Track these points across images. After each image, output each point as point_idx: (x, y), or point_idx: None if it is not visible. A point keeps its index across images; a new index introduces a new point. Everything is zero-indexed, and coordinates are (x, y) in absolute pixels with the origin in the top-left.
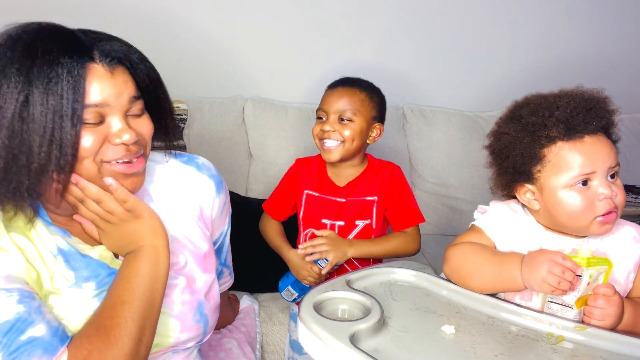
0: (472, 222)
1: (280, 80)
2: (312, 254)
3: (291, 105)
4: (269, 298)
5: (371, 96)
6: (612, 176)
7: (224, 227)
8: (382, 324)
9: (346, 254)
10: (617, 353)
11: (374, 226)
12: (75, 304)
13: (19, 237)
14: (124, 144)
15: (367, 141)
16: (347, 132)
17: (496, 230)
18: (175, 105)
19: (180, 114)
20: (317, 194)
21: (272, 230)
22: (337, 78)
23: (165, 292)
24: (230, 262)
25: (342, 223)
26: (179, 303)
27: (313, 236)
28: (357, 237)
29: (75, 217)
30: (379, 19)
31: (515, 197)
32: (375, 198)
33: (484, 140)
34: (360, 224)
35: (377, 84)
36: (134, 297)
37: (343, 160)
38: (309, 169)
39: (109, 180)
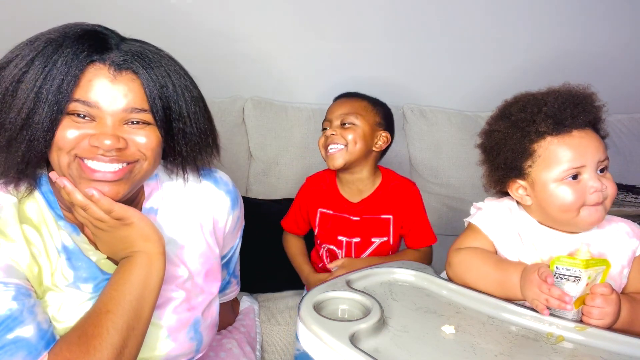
0: (467, 219)
1: (280, 80)
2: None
3: (291, 105)
4: (268, 298)
5: (374, 104)
6: (602, 170)
7: (236, 241)
8: (382, 324)
9: None
10: (617, 353)
11: (391, 242)
12: (70, 304)
13: (30, 229)
14: (101, 148)
15: (374, 148)
16: (349, 136)
17: (493, 228)
18: None
19: None
20: (330, 212)
21: (293, 248)
22: (337, 78)
23: (162, 303)
24: (238, 272)
25: (358, 240)
26: (174, 318)
27: (331, 252)
28: (373, 253)
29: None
30: (379, 19)
31: (508, 194)
32: (391, 217)
33: (476, 139)
34: (377, 241)
35: (377, 84)
36: (120, 306)
37: (347, 166)
38: (320, 187)
39: (90, 191)
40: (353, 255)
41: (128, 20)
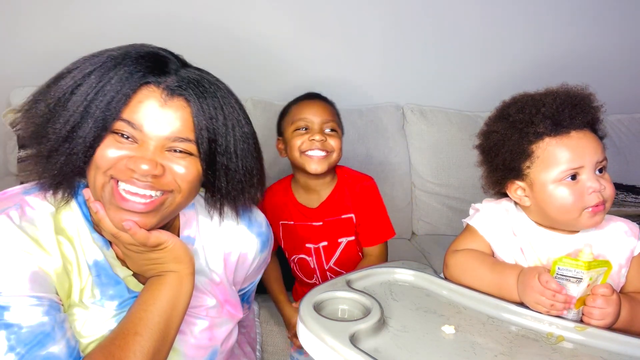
0: (465, 220)
1: (280, 80)
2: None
3: None
4: (268, 298)
5: (338, 111)
6: (600, 170)
7: (257, 278)
8: (382, 324)
9: None
10: (617, 353)
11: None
12: (94, 320)
13: (65, 242)
14: (132, 170)
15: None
16: (333, 142)
17: (490, 230)
18: None
19: None
20: (292, 223)
21: (267, 273)
22: (336, 78)
23: (184, 329)
24: (252, 299)
25: (325, 243)
26: (194, 345)
27: (301, 262)
28: (342, 253)
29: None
30: (379, 19)
31: (507, 195)
32: (352, 215)
33: (474, 140)
34: (344, 240)
35: (377, 83)
36: (148, 328)
37: (325, 173)
38: (277, 199)
39: (127, 224)
40: (324, 259)
41: (129, 20)
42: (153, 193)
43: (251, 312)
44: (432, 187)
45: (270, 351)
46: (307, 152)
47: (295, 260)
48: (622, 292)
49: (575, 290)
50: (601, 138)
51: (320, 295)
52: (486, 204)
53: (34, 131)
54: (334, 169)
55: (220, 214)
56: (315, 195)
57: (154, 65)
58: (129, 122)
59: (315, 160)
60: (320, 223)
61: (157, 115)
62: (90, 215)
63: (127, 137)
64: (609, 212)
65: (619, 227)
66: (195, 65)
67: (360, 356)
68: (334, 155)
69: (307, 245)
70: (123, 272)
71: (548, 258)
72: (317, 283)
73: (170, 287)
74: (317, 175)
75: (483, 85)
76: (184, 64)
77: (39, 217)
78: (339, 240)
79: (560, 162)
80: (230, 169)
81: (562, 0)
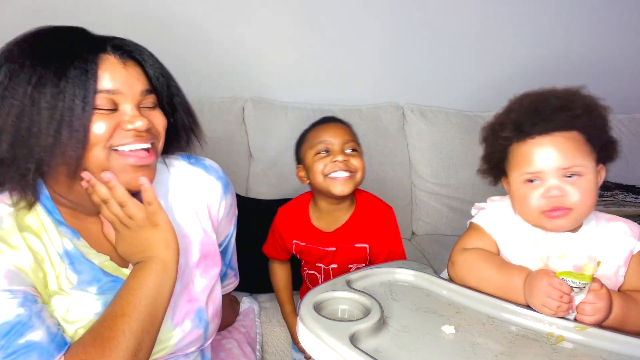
0: (471, 220)
1: (280, 80)
2: None
3: (291, 105)
4: (268, 299)
5: (355, 132)
6: (571, 176)
7: (230, 228)
8: (382, 324)
9: None
10: (617, 353)
11: None
12: (78, 305)
13: (31, 237)
14: (135, 130)
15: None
16: (356, 162)
17: (495, 227)
18: None
19: None
20: (304, 244)
21: (277, 280)
22: (336, 78)
23: None
24: (235, 264)
25: (335, 266)
26: (178, 310)
27: (310, 276)
28: None
29: (101, 216)
30: (379, 19)
31: None
32: (367, 246)
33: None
34: (354, 267)
35: (377, 83)
36: (136, 310)
37: (347, 196)
38: (292, 219)
39: (141, 180)
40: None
41: (127, 21)
42: (149, 145)
43: (251, 312)
44: (432, 187)
45: (270, 351)
46: (330, 175)
47: (305, 272)
48: (619, 291)
49: (579, 297)
50: (594, 139)
51: (320, 295)
52: (490, 202)
53: (13, 149)
54: (353, 193)
55: (188, 145)
56: (332, 219)
57: (91, 40)
58: (107, 91)
59: (340, 181)
60: (334, 249)
61: (125, 77)
62: (57, 208)
63: (103, 110)
64: (609, 212)
65: (619, 227)
66: (195, 66)
67: (360, 356)
68: (358, 175)
69: (318, 264)
70: (98, 258)
71: (548, 256)
72: None
73: (156, 273)
74: (341, 198)
75: (483, 85)
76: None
77: (1, 218)
78: (350, 266)
79: (521, 165)
80: (183, 104)
81: (563, 1)
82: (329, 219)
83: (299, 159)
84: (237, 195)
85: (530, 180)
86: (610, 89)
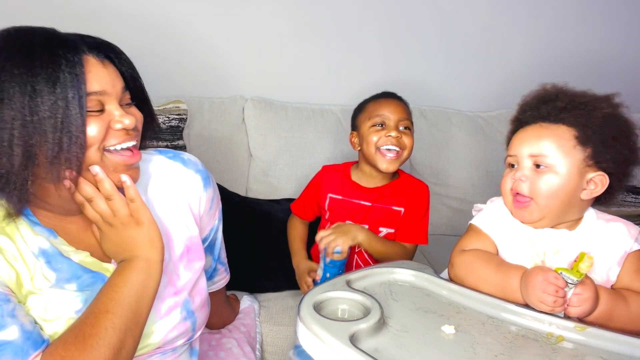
0: (470, 222)
1: (280, 80)
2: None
3: (291, 105)
4: (269, 298)
5: (411, 110)
6: (538, 166)
7: (215, 222)
8: (382, 324)
9: (356, 237)
10: (617, 353)
11: (395, 236)
12: (56, 303)
13: (2, 237)
14: (125, 129)
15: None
16: (406, 140)
17: (493, 228)
18: (175, 105)
19: (180, 114)
20: (340, 197)
21: (295, 232)
22: (336, 78)
23: None
24: (224, 259)
25: (366, 227)
26: (161, 304)
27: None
28: None
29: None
30: (379, 20)
31: None
32: (402, 209)
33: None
34: (384, 231)
35: (377, 84)
36: (119, 307)
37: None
38: (333, 175)
39: (123, 177)
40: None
41: (127, 22)
42: (135, 142)
43: (252, 311)
44: (432, 187)
45: (270, 351)
46: (381, 148)
47: None
48: (604, 287)
49: (570, 292)
50: (584, 134)
51: (320, 295)
52: (489, 203)
53: (18, 162)
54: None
55: (157, 137)
56: (372, 180)
57: (70, 42)
58: (96, 92)
59: (387, 159)
60: (369, 204)
61: (107, 77)
62: (31, 210)
63: (94, 112)
64: (610, 212)
65: (618, 228)
66: (195, 66)
67: (360, 356)
68: (405, 153)
69: (348, 222)
70: (78, 255)
71: (545, 253)
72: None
73: (141, 272)
74: (385, 174)
75: (483, 85)
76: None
77: None
78: (380, 228)
79: (508, 149)
80: (148, 99)
81: (563, 1)
82: (369, 179)
83: (354, 126)
84: (237, 196)
85: (512, 165)
86: (610, 89)
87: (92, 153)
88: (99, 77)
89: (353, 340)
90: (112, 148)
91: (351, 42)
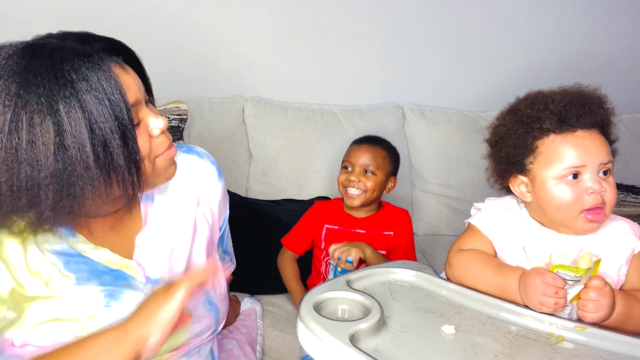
0: (468, 220)
1: (280, 80)
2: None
3: (291, 105)
4: (273, 302)
5: (390, 154)
6: (605, 173)
7: (226, 212)
8: (382, 324)
9: (365, 250)
10: (617, 353)
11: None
12: (80, 301)
13: (14, 244)
14: (161, 130)
15: (384, 192)
16: (369, 184)
17: (492, 228)
18: (175, 105)
19: (180, 114)
20: (337, 228)
21: (288, 271)
22: (336, 78)
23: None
24: (231, 249)
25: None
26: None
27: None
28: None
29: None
30: (379, 19)
31: (510, 192)
32: (392, 233)
33: (484, 133)
34: None
35: (377, 83)
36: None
37: (362, 206)
38: (328, 208)
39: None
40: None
41: (128, 21)
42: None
43: (252, 312)
44: (432, 187)
45: (271, 354)
46: (346, 188)
47: (327, 262)
48: (620, 290)
49: (573, 291)
50: (612, 142)
51: (320, 295)
52: (488, 202)
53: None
54: (379, 201)
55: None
56: (361, 212)
57: (89, 54)
58: (133, 105)
59: (350, 196)
60: (364, 231)
61: (134, 83)
62: None
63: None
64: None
65: (621, 226)
66: (195, 66)
67: (361, 356)
68: (368, 194)
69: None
70: (97, 253)
71: (550, 253)
72: None
73: (127, 346)
74: (351, 208)
75: (483, 85)
76: (75, 40)
77: None
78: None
79: (563, 159)
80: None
81: (563, 2)
82: (358, 212)
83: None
84: (237, 197)
85: (574, 176)
86: (610, 89)
87: (146, 165)
88: (130, 86)
89: (353, 340)
90: (162, 157)
91: (351, 42)
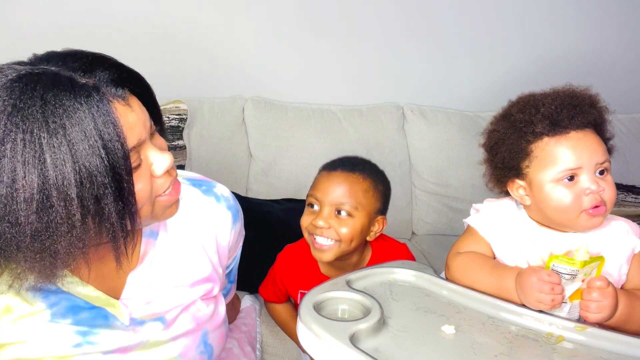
0: (465, 220)
1: (280, 80)
2: None
3: (291, 105)
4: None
5: (376, 184)
6: (602, 172)
7: (237, 252)
8: (382, 324)
9: None
10: (617, 353)
11: None
12: (48, 340)
13: None
14: (165, 170)
15: (367, 238)
16: (344, 230)
17: (490, 230)
18: (175, 105)
19: (180, 114)
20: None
21: (282, 317)
22: (336, 78)
23: (173, 324)
24: (235, 277)
25: None
26: (182, 334)
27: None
28: None
29: None
30: (379, 19)
31: (509, 194)
32: None
33: (479, 138)
34: None
35: (377, 83)
36: None
37: (338, 260)
38: (296, 266)
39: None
40: None
41: (128, 22)
42: (176, 175)
43: (252, 310)
44: (432, 187)
45: (270, 352)
46: (312, 236)
47: None
48: (622, 289)
49: (570, 287)
50: (607, 140)
51: (320, 295)
52: (487, 203)
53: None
54: (363, 247)
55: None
56: (345, 268)
57: (85, 90)
58: (134, 147)
59: (318, 248)
60: None
61: (138, 121)
62: None
63: (135, 167)
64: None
65: (620, 226)
66: (195, 66)
67: (361, 356)
68: (343, 246)
69: None
70: (82, 288)
71: (551, 253)
72: None
73: None
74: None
75: (483, 85)
76: (74, 67)
77: None
78: None
79: (558, 162)
80: (160, 110)
81: (562, 1)
82: (338, 272)
83: None
84: (237, 196)
85: (570, 178)
86: (610, 89)
87: (145, 208)
88: (131, 126)
89: (353, 340)
90: (163, 198)
91: (351, 42)
